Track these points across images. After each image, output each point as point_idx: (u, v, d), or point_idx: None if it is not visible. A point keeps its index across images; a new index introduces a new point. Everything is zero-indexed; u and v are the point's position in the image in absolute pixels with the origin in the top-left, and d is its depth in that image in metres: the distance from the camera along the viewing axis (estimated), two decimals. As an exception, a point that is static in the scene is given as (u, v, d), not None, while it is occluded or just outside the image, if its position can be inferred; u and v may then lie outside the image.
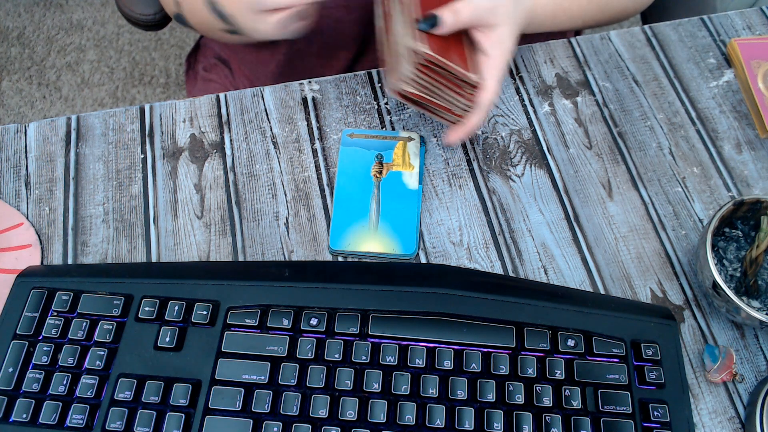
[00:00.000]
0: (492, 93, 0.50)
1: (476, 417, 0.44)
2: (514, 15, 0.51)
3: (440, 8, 0.48)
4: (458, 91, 0.49)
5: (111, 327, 0.46)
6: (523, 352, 0.46)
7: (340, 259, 0.53)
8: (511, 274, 0.53)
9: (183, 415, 0.44)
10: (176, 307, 0.47)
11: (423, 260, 0.53)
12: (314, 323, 0.46)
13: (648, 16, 0.82)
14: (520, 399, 0.45)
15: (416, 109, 0.53)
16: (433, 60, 0.46)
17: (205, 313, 0.47)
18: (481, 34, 0.50)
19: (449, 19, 0.47)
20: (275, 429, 0.43)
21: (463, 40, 0.50)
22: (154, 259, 0.52)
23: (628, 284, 0.52)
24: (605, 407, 0.45)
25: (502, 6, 0.49)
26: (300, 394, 0.44)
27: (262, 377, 0.45)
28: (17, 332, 0.46)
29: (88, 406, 0.44)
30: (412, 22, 0.47)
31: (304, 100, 0.60)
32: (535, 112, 0.60)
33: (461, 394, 0.45)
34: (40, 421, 0.43)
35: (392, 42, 0.49)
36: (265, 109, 0.59)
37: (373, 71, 0.61)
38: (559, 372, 0.46)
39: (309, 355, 0.45)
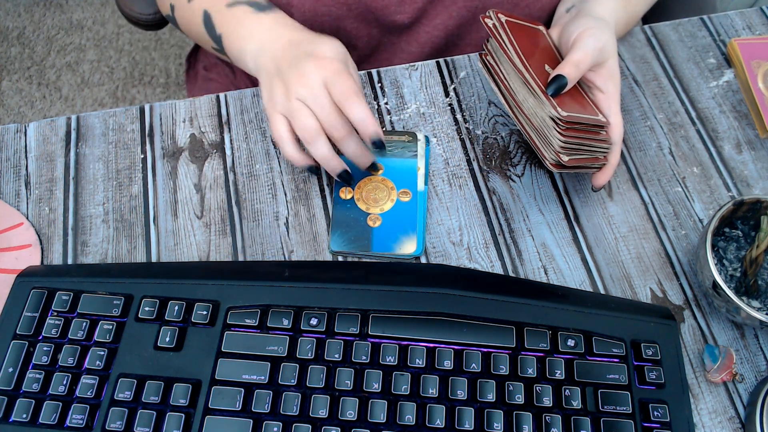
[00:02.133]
0: (620, 126, 0.52)
1: (476, 417, 0.44)
2: (614, 45, 0.52)
3: (562, 66, 0.48)
4: (593, 138, 0.50)
5: (111, 327, 0.46)
6: (523, 352, 0.46)
7: (340, 259, 0.53)
8: (511, 274, 0.53)
9: (183, 415, 0.44)
10: (176, 307, 0.47)
11: (423, 260, 0.53)
12: (314, 323, 0.47)
13: (648, 16, 0.82)
14: (520, 399, 0.45)
15: (569, 173, 0.55)
16: (573, 120, 0.47)
17: (205, 313, 0.47)
18: (592, 74, 0.51)
19: (573, 73, 0.48)
20: (275, 429, 0.43)
21: (576, 86, 0.51)
22: (154, 259, 0.52)
23: (628, 284, 0.52)
24: (605, 407, 0.45)
25: (608, 41, 0.51)
26: (300, 394, 0.44)
27: (262, 377, 0.45)
28: (17, 332, 0.46)
29: (88, 406, 0.44)
30: (539, 90, 0.47)
31: (304, 100, 0.60)
32: (535, 112, 0.60)
33: (461, 394, 0.45)
34: (40, 421, 0.43)
35: (531, 120, 0.49)
36: (265, 109, 0.59)
37: (373, 71, 0.61)
38: (559, 372, 0.46)
39: (309, 355, 0.45)
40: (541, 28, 0.55)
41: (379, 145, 0.50)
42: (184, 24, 0.62)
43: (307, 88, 0.49)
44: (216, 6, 0.57)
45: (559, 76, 0.48)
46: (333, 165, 0.51)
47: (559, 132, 0.47)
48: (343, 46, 0.53)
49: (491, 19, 0.50)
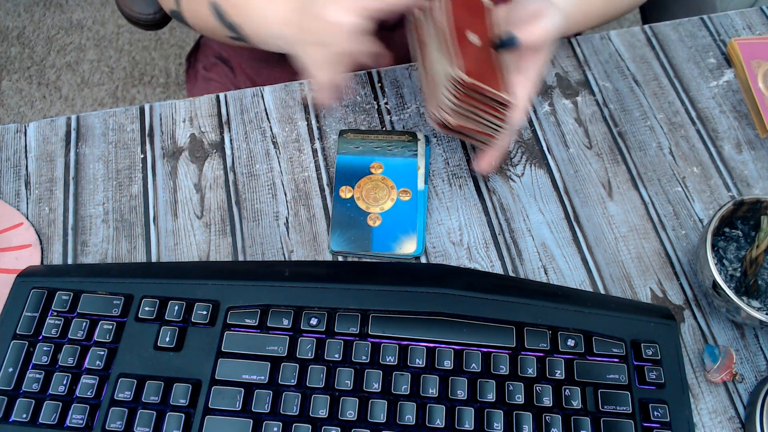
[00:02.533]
0: (523, 111, 0.49)
1: (476, 417, 0.44)
2: (557, 33, 0.50)
3: (523, 28, 0.46)
4: (491, 112, 0.47)
5: (111, 327, 0.46)
6: (523, 352, 0.46)
7: (340, 258, 0.53)
8: (511, 274, 0.53)
9: (183, 415, 0.44)
10: (176, 307, 0.47)
11: (423, 260, 0.53)
12: (314, 323, 0.47)
13: (648, 16, 0.82)
14: (520, 399, 0.45)
15: (453, 136, 0.52)
16: (472, 87, 0.45)
17: (205, 313, 0.47)
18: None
19: (531, 39, 0.47)
20: (275, 429, 0.43)
21: (494, 55, 0.49)
22: (154, 259, 0.52)
23: (628, 284, 0.52)
24: (605, 407, 0.45)
25: (558, 27, 0.49)
26: (300, 394, 0.44)
27: (262, 377, 0.45)
28: (17, 332, 0.46)
29: (88, 406, 0.44)
30: (448, 47, 0.45)
31: (304, 99, 0.60)
32: (535, 112, 0.60)
33: (461, 394, 0.45)
34: (40, 421, 0.43)
35: (429, 70, 0.48)
36: (265, 109, 0.59)
37: (373, 71, 0.61)
38: (559, 372, 0.46)
39: (309, 355, 0.45)
40: (489, 3, 0.52)
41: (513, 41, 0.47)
42: (192, 17, 0.60)
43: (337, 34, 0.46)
44: None
45: (513, 37, 0.46)
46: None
47: (453, 94, 0.45)
48: None
49: None
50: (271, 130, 0.58)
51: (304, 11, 0.49)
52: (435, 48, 0.48)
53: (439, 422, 0.43)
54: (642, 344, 0.47)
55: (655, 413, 0.45)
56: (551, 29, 0.48)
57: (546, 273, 0.53)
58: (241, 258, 0.53)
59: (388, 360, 0.45)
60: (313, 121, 0.59)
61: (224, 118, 0.59)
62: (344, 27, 0.45)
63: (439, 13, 0.47)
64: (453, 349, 0.46)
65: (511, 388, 0.45)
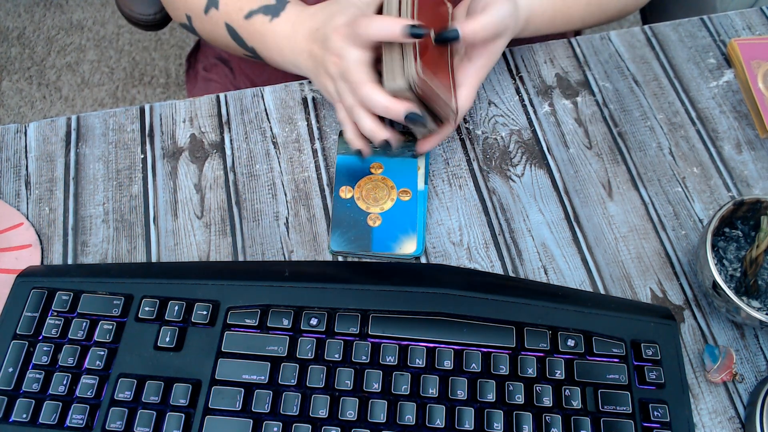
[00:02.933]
0: (468, 102, 0.50)
1: (476, 417, 0.44)
2: (513, 27, 0.51)
3: (466, 23, 0.47)
4: (437, 107, 0.48)
5: (111, 327, 0.46)
6: (523, 352, 0.46)
7: (340, 258, 0.53)
8: (511, 274, 0.53)
9: (183, 415, 0.44)
10: (176, 307, 0.47)
11: (423, 260, 0.53)
12: (314, 323, 0.47)
13: (648, 16, 0.82)
14: (520, 399, 0.45)
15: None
16: (426, 87, 0.46)
17: (205, 313, 0.47)
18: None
19: (470, 35, 0.47)
20: (275, 429, 0.43)
21: (447, 51, 0.50)
22: (154, 259, 0.52)
23: (628, 284, 0.52)
24: (605, 407, 0.45)
25: (512, 18, 0.49)
26: (300, 394, 0.44)
27: (262, 377, 0.45)
28: (17, 332, 0.46)
29: (88, 406, 0.44)
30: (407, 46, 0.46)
31: (304, 100, 0.60)
32: (535, 112, 0.60)
33: (461, 394, 0.45)
34: (40, 421, 0.43)
35: (388, 49, 0.48)
36: (265, 109, 0.59)
37: (373, 71, 0.61)
38: (559, 372, 0.46)
39: (309, 355, 0.45)
40: (449, 4, 0.54)
41: (413, 118, 0.48)
42: (206, 34, 0.61)
43: (344, 62, 0.48)
44: (235, 19, 0.56)
45: (455, 30, 0.47)
46: (379, 135, 0.50)
47: (404, 81, 0.46)
48: (347, 13, 0.50)
49: None
50: (271, 130, 0.59)
51: (323, 46, 0.50)
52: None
53: (439, 422, 0.43)
54: (642, 344, 0.47)
55: (655, 413, 0.45)
56: (494, 22, 0.48)
57: (546, 273, 0.53)
58: (241, 258, 0.53)
59: (388, 360, 0.45)
60: (313, 121, 0.59)
61: (224, 119, 0.59)
62: (351, 59, 0.47)
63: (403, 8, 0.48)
64: (453, 349, 0.46)
65: (511, 388, 0.45)
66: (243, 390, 0.44)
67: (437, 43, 0.46)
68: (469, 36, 0.47)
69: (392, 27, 0.45)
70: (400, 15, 0.47)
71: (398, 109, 0.47)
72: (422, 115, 0.48)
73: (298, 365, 0.45)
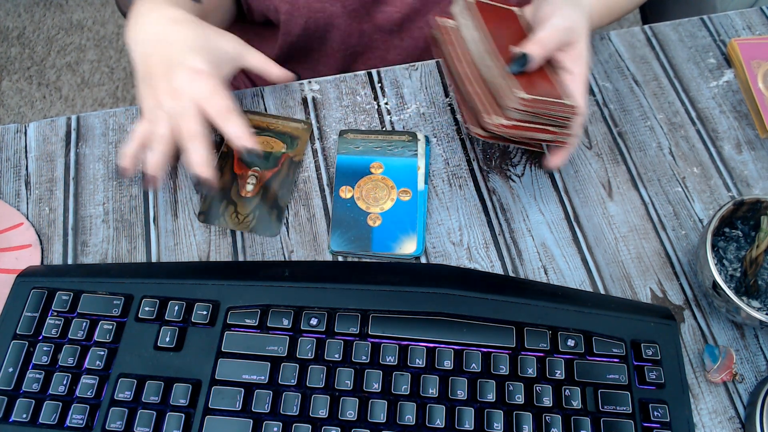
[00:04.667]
0: (584, 109, 0.50)
1: (476, 417, 0.44)
2: (586, 26, 0.51)
3: (526, 43, 0.47)
4: (556, 116, 0.48)
5: (111, 327, 0.46)
6: (523, 352, 0.46)
7: (340, 259, 0.53)
8: (511, 274, 0.53)
9: (183, 415, 0.44)
10: (176, 307, 0.47)
11: (423, 260, 0.53)
12: (314, 323, 0.46)
13: (648, 16, 0.82)
14: (520, 399, 0.45)
15: (502, 143, 0.53)
16: (532, 102, 0.45)
17: (205, 313, 0.47)
18: (561, 54, 0.50)
19: (538, 52, 0.47)
20: (275, 429, 0.43)
21: (546, 66, 0.50)
22: (154, 259, 0.52)
23: (628, 284, 0.52)
24: (605, 407, 0.45)
25: (578, 21, 0.49)
26: (300, 394, 0.44)
27: (262, 377, 0.45)
28: (17, 332, 0.46)
29: (88, 406, 0.44)
30: (500, 62, 0.46)
31: (304, 100, 0.60)
32: (535, 112, 0.60)
33: (461, 394, 0.45)
34: (40, 421, 0.43)
35: (474, 83, 0.48)
36: (265, 109, 0.59)
37: (373, 71, 0.62)
38: (559, 372, 0.46)
39: (309, 355, 0.45)
40: (516, 10, 0.53)
41: (253, 157, 0.50)
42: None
43: (177, 101, 0.48)
44: None
45: (522, 54, 0.47)
46: (156, 173, 0.49)
47: (511, 109, 0.46)
48: (221, 50, 0.51)
49: (458, 3, 0.50)
50: (271, 130, 0.58)
51: (167, 69, 0.49)
52: (486, 62, 0.48)
53: (439, 422, 0.43)
54: (642, 344, 0.47)
55: (655, 413, 0.45)
56: (555, 34, 0.48)
57: (546, 273, 0.53)
58: (241, 258, 0.53)
59: (388, 360, 0.45)
60: (314, 121, 0.59)
61: (224, 118, 0.59)
62: (188, 108, 0.47)
63: (472, 32, 0.48)
64: (453, 349, 0.46)
65: (511, 388, 0.45)
66: (243, 390, 0.44)
67: (514, 73, 0.46)
68: (539, 56, 0.47)
69: (238, 139, 0.48)
70: (475, 40, 0.48)
71: (250, 142, 0.49)
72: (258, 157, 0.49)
73: (298, 365, 0.45)
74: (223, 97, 0.49)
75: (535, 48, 0.47)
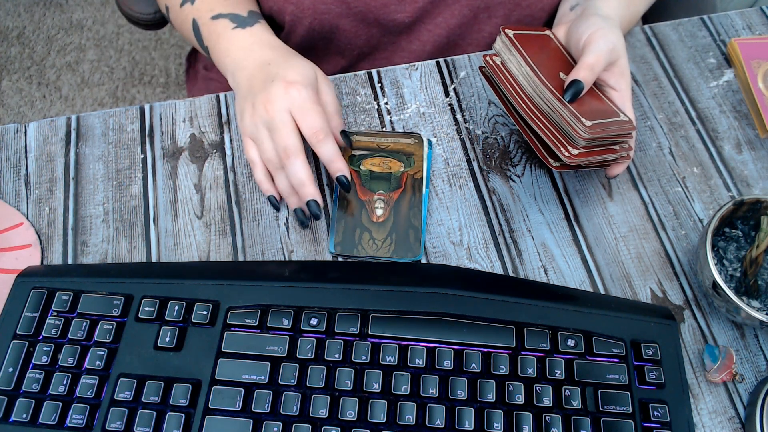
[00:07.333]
0: (635, 122, 0.51)
1: (476, 417, 0.44)
2: (623, 44, 0.52)
3: (577, 71, 0.49)
4: (617, 134, 0.49)
5: (111, 327, 0.46)
6: (523, 352, 0.46)
7: (340, 259, 0.53)
8: (511, 274, 0.53)
9: (183, 415, 0.44)
10: (176, 307, 0.47)
11: (423, 260, 0.53)
12: (314, 323, 0.47)
13: (648, 16, 0.82)
14: (520, 399, 0.45)
15: (579, 170, 0.54)
16: (598, 127, 0.47)
17: (205, 313, 0.47)
18: (605, 73, 0.52)
19: (589, 77, 0.49)
20: (275, 429, 0.43)
21: (592, 86, 0.51)
22: (154, 259, 0.52)
23: (628, 284, 0.52)
24: (605, 407, 0.45)
25: (617, 40, 0.51)
26: (300, 394, 0.44)
27: (262, 377, 0.45)
28: (17, 332, 0.46)
29: (88, 406, 0.44)
30: (555, 94, 0.48)
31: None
32: (535, 112, 0.60)
33: (461, 394, 0.45)
34: (40, 421, 0.43)
35: (538, 121, 0.50)
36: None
37: (373, 71, 0.61)
38: (559, 372, 0.46)
39: (309, 355, 0.45)
40: (548, 32, 0.55)
41: (344, 183, 0.50)
42: (177, 27, 0.63)
43: (272, 113, 0.49)
44: (203, 16, 0.57)
45: (575, 82, 0.48)
46: (292, 201, 0.51)
47: (582, 139, 0.47)
48: (315, 68, 0.52)
49: (499, 40, 0.52)
50: (271, 130, 0.58)
51: (264, 81, 0.51)
52: (536, 98, 0.50)
53: (439, 422, 0.43)
54: (642, 344, 0.47)
55: (655, 413, 0.45)
56: (600, 58, 0.49)
57: (546, 273, 0.53)
58: (241, 258, 0.53)
59: (388, 360, 0.45)
60: (313, 121, 0.59)
61: (224, 118, 0.59)
62: (280, 112, 0.49)
63: (520, 66, 0.50)
64: (453, 349, 0.46)
65: (511, 388, 0.45)
66: (243, 390, 0.44)
67: (569, 102, 0.48)
68: (590, 82, 0.49)
69: (333, 163, 0.50)
70: (525, 75, 0.50)
71: (343, 165, 0.50)
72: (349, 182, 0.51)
73: (298, 365, 0.45)
74: (317, 113, 0.49)
75: (586, 74, 0.49)
